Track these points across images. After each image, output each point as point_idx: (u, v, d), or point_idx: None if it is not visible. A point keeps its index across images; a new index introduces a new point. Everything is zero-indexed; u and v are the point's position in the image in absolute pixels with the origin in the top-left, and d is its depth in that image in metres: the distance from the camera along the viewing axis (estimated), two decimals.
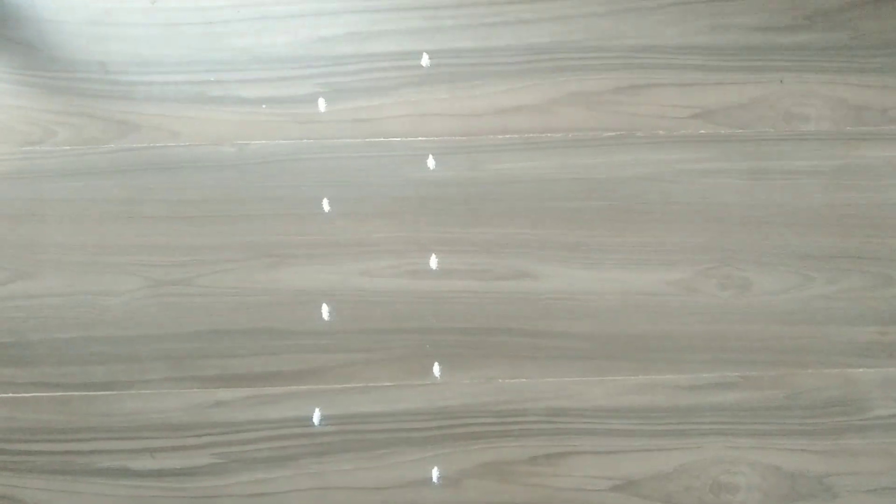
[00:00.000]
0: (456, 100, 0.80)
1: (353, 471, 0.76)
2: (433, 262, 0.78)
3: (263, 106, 0.80)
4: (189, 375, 0.77)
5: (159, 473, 0.76)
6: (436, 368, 0.77)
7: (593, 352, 0.78)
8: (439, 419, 0.77)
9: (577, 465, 0.77)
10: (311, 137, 0.79)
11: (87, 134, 0.79)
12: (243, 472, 0.76)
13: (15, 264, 0.78)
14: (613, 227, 0.79)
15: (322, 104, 0.80)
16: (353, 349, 0.77)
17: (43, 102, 0.79)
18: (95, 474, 0.76)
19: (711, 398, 0.77)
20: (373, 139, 0.79)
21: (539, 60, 0.80)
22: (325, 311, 0.78)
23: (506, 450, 0.77)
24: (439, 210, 0.79)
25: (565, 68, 0.80)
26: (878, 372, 0.78)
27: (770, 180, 0.80)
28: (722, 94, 0.80)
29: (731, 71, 0.80)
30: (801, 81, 0.81)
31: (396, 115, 0.80)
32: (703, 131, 0.80)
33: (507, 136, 0.80)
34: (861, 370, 0.78)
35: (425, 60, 0.80)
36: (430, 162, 0.79)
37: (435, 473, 0.76)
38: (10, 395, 0.77)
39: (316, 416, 0.77)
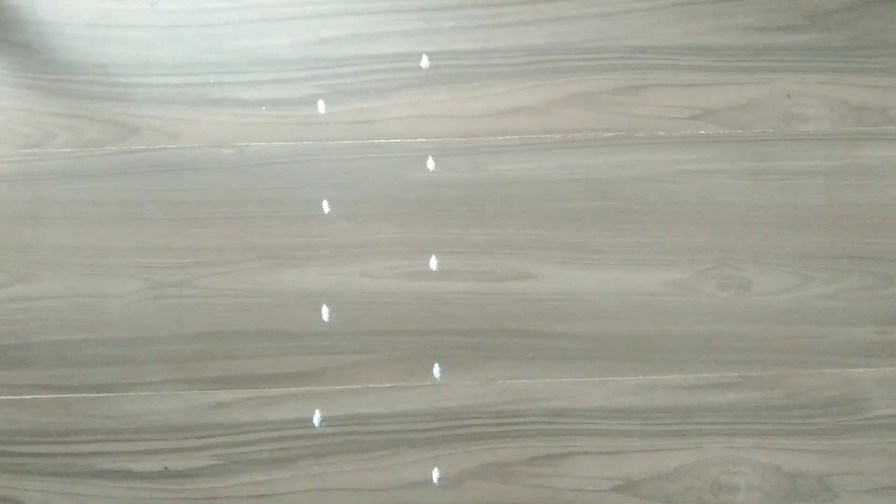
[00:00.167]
0: (456, 101, 0.80)
1: (353, 472, 0.76)
2: (433, 263, 0.78)
3: (263, 108, 0.80)
4: (189, 377, 0.77)
5: (159, 475, 0.76)
6: (436, 369, 0.78)
7: (593, 352, 0.78)
8: (440, 420, 0.77)
9: (578, 465, 0.77)
10: (310, 139, 0.79)
11: (87, 136, 0.79)
12: (243, 474, 0.76)
13: (15, 267, 0.78)
14: (613, 228, 0.79)
15: (322, 106, 0.80)
16: (354, 350, 0.77)
17: (42, 105, 0.79)
18: (96, 476, 0.76)
19: (711, 398, 0.77)
20: (373, 141, 0.79)
21: (538, 62, 0.80)
22: (325, 312, 0.78)
23: (506, 451, 0.77)
24: (439, 211, 0.79)
25: (565, 69, 0.80)
26: (878, 372, 0.78)
27: (770, 181, 0.80)
28: (722, 95, 0.80)
29: (731, 71, 0.81)
30: (800, 82, 0.81)
31: (396, 116, 0.80)
32: (702, 132, 0.80)
33: (507, 137, 0.80)
34: (861, 370, 0.78)
35: (425, 62, 0.80)
36: (430, 163, 0.79)
37: (435, 474, 0.76)
38: (11, 396, 0.77)
39: (316, 418, 0.77)
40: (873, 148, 0.80)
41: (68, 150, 0.79)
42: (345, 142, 0.79)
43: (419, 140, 0.79)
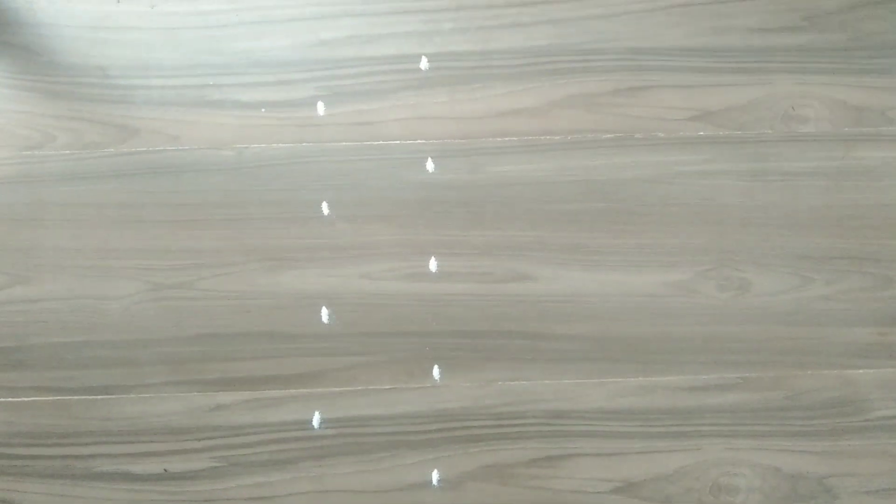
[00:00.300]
0: (455, 103, 0.80)
1: (352, 474, 0.76)
2: (433, 264, 0.79)
3: (263, 109, 0.80)
4: (189, 379, 0.77)
5: (159, 477, 0.76)
6: (435, 371, 0.78)
7: (593, 354, 0.78)
8: (439, 422, 0.77)
9: (578, 467, 0.77)
10: (310, 141, 0.79)
11: (87, 138, 0.79)
12: (243, 476, 0.76)
13: (15, 269, 0.78)
14: (613, 229, 0.79)
15: (321, 107, 0.80)
16: (353, 352, 0.77)
17: (42, 107, 0.79)
18: (95, 478, 0.76)
19: (711, 400, 0.77)
20: (372, 142, 0.79)
21: (538, 63, 0.81)
22: (324, 314, 0.78)
23: (506, 452, 0.77)
24: (439, 213, 0.79)
25: (564, 71, 0.81)
26: (878, 373, 0.78)
27: (769, 181, 0.80)
28: (721, 96, 0.80)
29: (730, 73, 0.81)
30: (800, 83, 0.81)
31: (396, 118, 0.80)
32: (702, 133, 0.80)
33: (507, 138, 0.80)
34: (860, 371, 0.78)
35: (424, 64, 0.80)
36: (430, 165, 0.79)
37: (435, 476, 0.76)
38: (10, 399, 0.77)
39: (316, 420, 0.77)
40: (872, 149, 0.80)
41: (68, 152, 0.79)
42: (344, 143, 0.79)
43: (419, 142, 0.80)
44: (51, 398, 0.77)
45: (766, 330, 0.78)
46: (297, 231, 0.79)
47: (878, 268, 0.79)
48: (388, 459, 0.76)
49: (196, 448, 0.76)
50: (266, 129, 0.80)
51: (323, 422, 0.77)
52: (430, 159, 0.79)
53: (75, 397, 0.77)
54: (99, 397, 0.77)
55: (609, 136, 0.80)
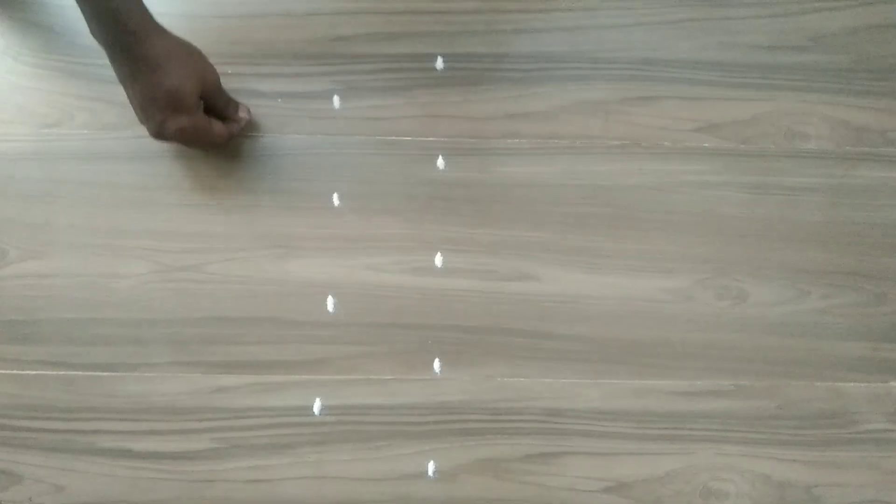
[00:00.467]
0: (467, 103, 0.82)
1: (350, 461, 0.77)
2: (438, 260, 0.80)
3: (279, 100, 0.81)
4: (193, 360, 0.78)
5: (159, 456, 0.77)
6: (436, 364, 0.79)
7: (591, 355, 0.79)
8: (437, 414, 0.78)
9: (571, 465, 0.78)
10: (324, 133, 0.81)
11: (105, 119, 0.80)
12: (242, 458, 0.77)
13: (28, 244, 0.79)
14: (615, 234, 0.81)
15: (337, 101, 0.81)
16: (357, 342, 0.79)
17: (62, 86, 0.81)
18: (96, 454, 0.77)
19: (704, 405, 0.79)
20: (385, 137, 0.81)
21: (550, 68, 0.82)
22: (330, 303, 0.79)
23: (501, 447, 0.78)
24: (447, 210, 0.80)
25: (575, 77, 0.82)
26: (869, 387, 0.80)
27: (770, 195, 0.81)
28: (726, 110, 0.82)
29: (737, 87, 0.82)
30: (803, 101, 0.82)
31: (409, 115, 0.81)
32: (706, 144, 0.82)
33: (516, 140, 0.81)
34: (851, 384, 0.80)
35: (439, 63, 0.82)
36: (440, 162, 0.81)
37: (431, 467, 0.77)
38: (16, 371, 0.77)
39: (316, 406, 0.78)
40: (871, 168, 0.82)
41: (86, 131, 0.80)
42: (358, 137, 0.81)
43: (430, 139, 0.81)
44: (56, 373, 0.78)
45: (760, 340, 0.80)
46: (307, 220, 0.80)
47: (873, 284, 0.81)
48: (386, 448, 0.77)
49: (197, 429, 0.77)
50: (282, 119, 0.81)
51: (323, 409, 0.78)
52: (440, 157, 0.81)
53: (81, 373, 0.78)
54: (104, 374, 0.78)
55: (616, 142, 0.82)
